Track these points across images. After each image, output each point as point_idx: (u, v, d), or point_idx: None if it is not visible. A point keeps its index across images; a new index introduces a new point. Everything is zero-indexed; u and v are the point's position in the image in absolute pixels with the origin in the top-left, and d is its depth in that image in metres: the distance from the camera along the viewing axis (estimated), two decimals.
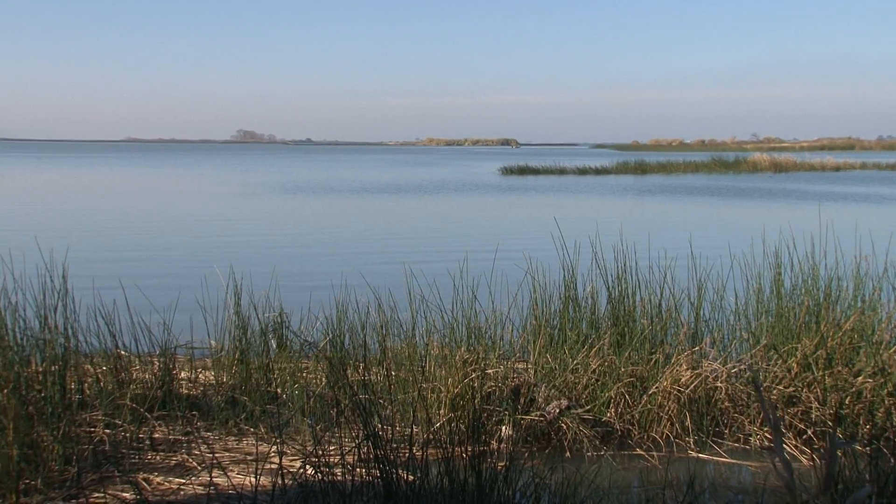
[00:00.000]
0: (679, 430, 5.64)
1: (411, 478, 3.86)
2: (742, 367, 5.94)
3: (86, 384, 5.69)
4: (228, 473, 4.77)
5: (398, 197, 31.83)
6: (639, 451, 5.48)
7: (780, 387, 5.70)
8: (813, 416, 5.51)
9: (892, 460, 4.07)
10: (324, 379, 6.08)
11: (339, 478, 4.09)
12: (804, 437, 5.48)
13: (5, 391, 4.77)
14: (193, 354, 6.68)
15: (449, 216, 24.29)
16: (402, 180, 44.61)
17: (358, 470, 4.01)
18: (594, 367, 5.88)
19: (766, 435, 5.62)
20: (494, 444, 5.22)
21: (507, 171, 51.57)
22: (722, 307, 6.57)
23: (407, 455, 3.99)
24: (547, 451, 5.38)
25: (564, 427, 5.49)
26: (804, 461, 5.26)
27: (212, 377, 6.34)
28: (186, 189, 36.87)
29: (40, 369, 5.36)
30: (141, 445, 5.16)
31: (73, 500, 4.41)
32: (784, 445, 5.17)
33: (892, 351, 5.79)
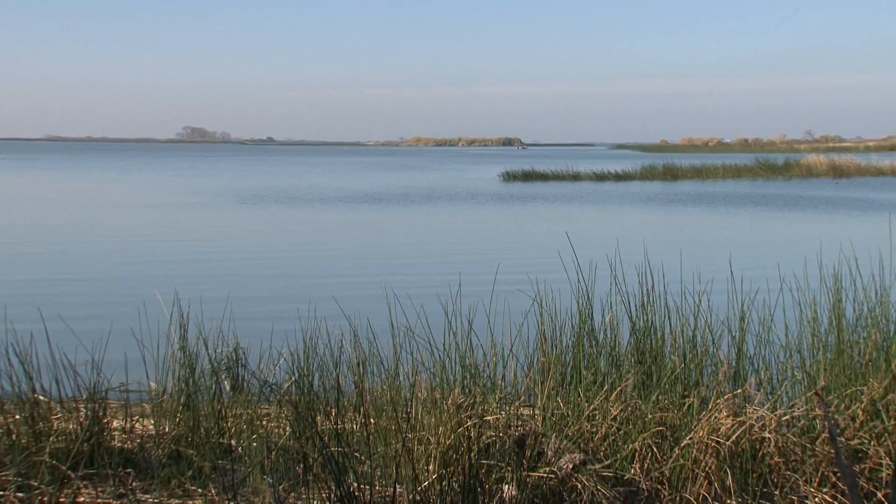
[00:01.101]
0: (718, 491, 5.65)
1: None
2: (795, 413, 5.96)
3: None
4: None
5: (378, 208, 31.91)
6: None
7: (843, 438, 5.71)
8: (883, 474, 5.52)
9: None
10: (288, 428, 6.06)
11: None
12: (873, 500, 5.49)
13: None
14: (129, 399, 6.66)
15: (439, 231, 24.34)
16: (383, 188, 44.73)
17: None
18: (615, 413, 5.88)
19: (826, 498, 5.63)
20: None
21: (510, 177, 51.83)
22: (770, 341, 6.58)
23: None
24: None
25: (579, 486, 5.49)
26: None
27: (151, 427, 6.32)
28: (119, 198, 36.86)
29: None
30: None
31: None
32: None
33: None
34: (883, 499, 5.52)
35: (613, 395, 5.99)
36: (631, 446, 5.80)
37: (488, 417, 5.77)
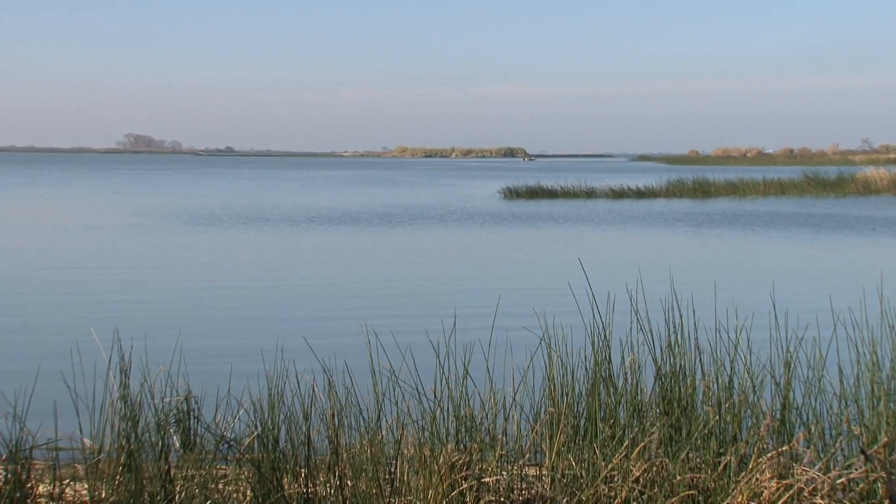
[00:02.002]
0: None
1: None
2: (852, 475, 5.95)
3: None
4: None
5: (356, 230, 31.95)
6: None
7: None
8: None
9: None
10: (249, 492, 6.03)
11: None
12: None
13: None
14: (58, 458, 6.61)
15: (429, 258, 24.35)
16: (362, 206, 44.81)
17: None
18: (637, 474, 5.86)
19: None
20: None
21: (512, 194, 51.97)
22: (821, 389, 6.58)
23: None
24: None
25: None
26: None
27: (85, 492, 6.28)
28: (47, 219, 36.82)
29: None
30: None
31: None
32: None
33: None
34: None
35: (635, 452, 5.97)
36: None
37: (487, 479, 5.75)
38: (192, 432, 6.57)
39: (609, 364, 6.50)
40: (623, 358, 6.59)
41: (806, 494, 5.81)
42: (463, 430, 6.11)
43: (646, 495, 5.89)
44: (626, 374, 6.51)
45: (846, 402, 6.55)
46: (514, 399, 6.40)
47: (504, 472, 5.91)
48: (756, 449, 6.04)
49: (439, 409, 6.14)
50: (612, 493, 5.90)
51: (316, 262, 23.24)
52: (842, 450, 6.28)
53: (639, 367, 6.51)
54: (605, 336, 6.57)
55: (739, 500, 5.74)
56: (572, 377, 6.51)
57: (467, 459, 5.74)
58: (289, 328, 13.63)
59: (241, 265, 22.42)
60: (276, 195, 56.02)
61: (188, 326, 13.71)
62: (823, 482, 5.85)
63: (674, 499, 5.81)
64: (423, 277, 20.25)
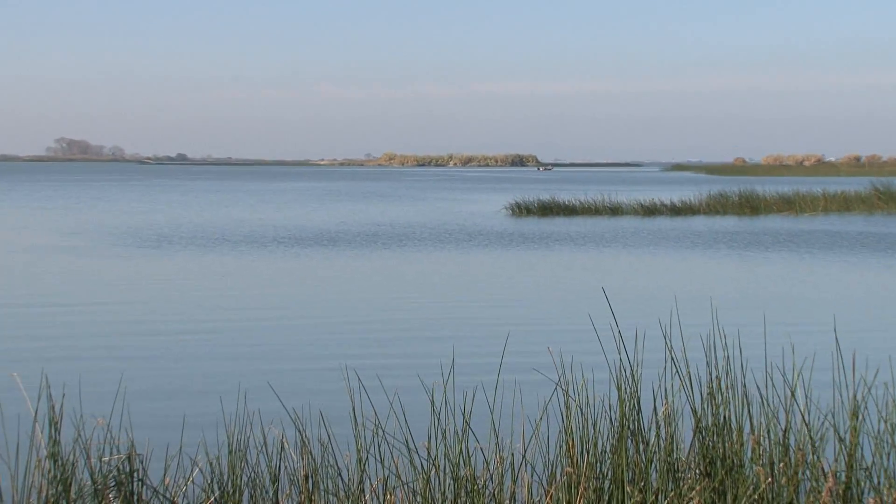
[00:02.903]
0: None
1: None
2: None
3: None
4: None
5: (335, 254, 31.93)
6: None
7: None
8: None
9: None
10: None
11: None
12: None
13: None
14: None
15: (422, 287, 24.30)
16: (341, 225, 44.83)
17: None
18: None
19: None
20: None
21: (521, 210, 51.98)
22: (895, 445, 6.55)
23: None
24: None
25: None
26: None
27: None
28: None
29: None
30: None
31: None
32: None
33: None
34: None
35: None
36: None
37: None
38: (136, 498, 6.55)
39: (638, 415, 6.47)
40: (655, 407, 6.60)
41: None
42: (463, 494, 6.09)
43: None
44: (658, 426, 6.50)
45: None
46: (524, 457, 6.39)
47: None
48: None
49: (434, 469, 6.12)
50: None
51: (286, 292, 23.20)
52: None
53: (674, 418, 6.50)
54: (633, 381, 6.54)
55: None
56: (594, 430, 6.48)
57: None
58: (253, 371, 13.59)
59: (196, 296, 22.38)
60: (238, 211, 56.03)
61: (131, 370, 13.67)
62: None
63: None
64: (414, 310, 20.21)
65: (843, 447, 6.49)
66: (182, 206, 61.95)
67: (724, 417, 6.49)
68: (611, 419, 6.52)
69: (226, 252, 32.21)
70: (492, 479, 6.30)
